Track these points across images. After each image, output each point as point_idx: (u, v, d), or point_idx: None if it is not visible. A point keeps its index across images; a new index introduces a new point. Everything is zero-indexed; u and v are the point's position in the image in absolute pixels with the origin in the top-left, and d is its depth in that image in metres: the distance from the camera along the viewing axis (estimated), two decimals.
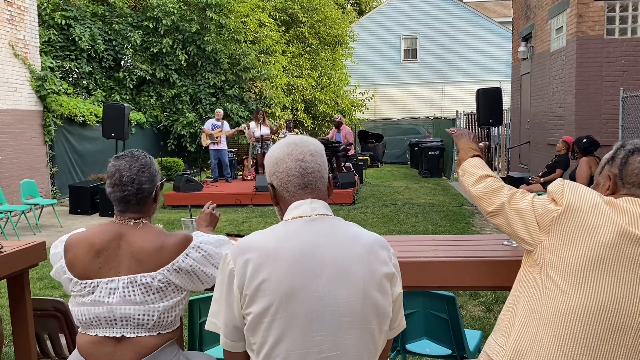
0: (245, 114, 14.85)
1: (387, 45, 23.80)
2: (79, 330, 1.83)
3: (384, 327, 1.44)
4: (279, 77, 15.92)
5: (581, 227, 1.59)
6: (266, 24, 16.33)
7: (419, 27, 23.58)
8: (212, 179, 11.85)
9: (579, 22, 8.82)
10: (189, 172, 14.08)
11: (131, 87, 14.69)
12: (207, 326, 1.49)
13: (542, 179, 7.73)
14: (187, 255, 1.80)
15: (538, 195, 1.77)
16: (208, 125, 11.72)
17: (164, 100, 14.97)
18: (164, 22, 14.23)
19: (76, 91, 13.20)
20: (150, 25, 14.42)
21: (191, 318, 2.42)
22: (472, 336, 2.75)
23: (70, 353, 2.16)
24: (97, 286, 1.76)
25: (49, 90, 10.61)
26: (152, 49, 14.45)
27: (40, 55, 11.07)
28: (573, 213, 1.61)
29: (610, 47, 8.75)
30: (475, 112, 8.86)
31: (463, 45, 23.32)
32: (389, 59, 23.87)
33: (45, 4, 13.09)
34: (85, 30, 13.37)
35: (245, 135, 12.51)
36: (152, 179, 1.88)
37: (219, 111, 11.97)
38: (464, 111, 18.12)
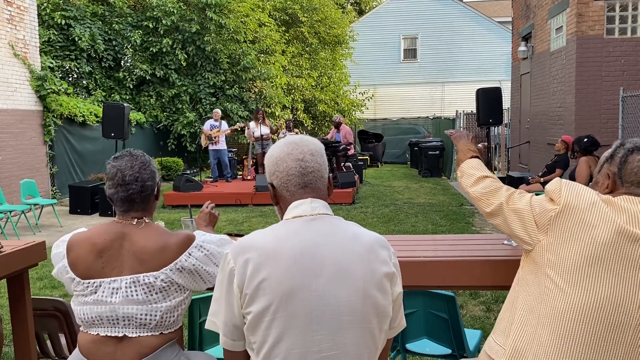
0: (245, 113, 14.85)
1: (387, 45, 23.79)
2: (81, 329, 1.83)
3: (384, 326, 1.44)
4: (278, 76, 15.92)
5: (579, 226, 1.60)
6: (266, 23, 16.33)
7: (419, 27, 23.58)
8: (211, 179, 11.86)
9: (578, 22, 8.82)
10: (188, 172, 14.08)
11: (131, 87, 14.69)
12: (207, 325, 1.49)
13: (541, 179, 7.73)
14: (189, 254, 1.80)
15: (536, 195, 1.78)
16: (207, 126, 11.74)
17: (163, 100, 14.97)
18: (163, 22, 14.22)
19: (76, 91, 13.19)
20: (150, 25, 14.42)
21: (191, 317, 2.42)
22: (472, 336, 2.75)
23: (70, 353, 2.16)
24: (100, 286, 1.76)
25: (48, 90, 10.60)
26: (151, 49, 14.45)
27: (40, 55, 11.07)
28: (571, 212, 1.61)
29: (610, 47, 8.76)
30: (475, 111, 8.86)
31: (463, 45, 23.32)
32: (389, 58, 23.87)
33: (45, 4, 13.08)
34: (85, 30, 13.37)
35: (245, 135, 12.51)
36: (154, 176, 1.88)
37: (217, 111, 11.98)
38: (463, 111, 18.12)
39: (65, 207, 10.13)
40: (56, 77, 11.55)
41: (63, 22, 13.10)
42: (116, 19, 14.37)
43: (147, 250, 1.77)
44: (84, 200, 9.71)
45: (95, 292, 1.76)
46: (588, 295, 1.55)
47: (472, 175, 1.97)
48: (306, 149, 1.50)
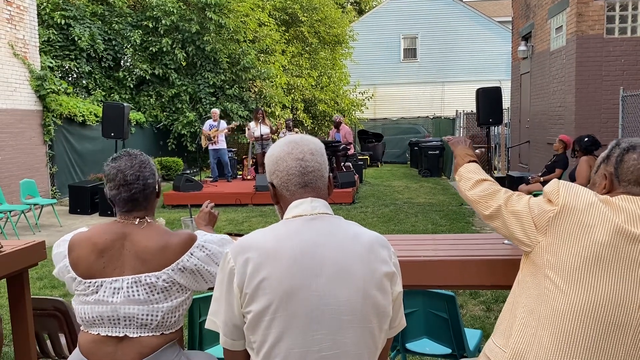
0: (245, 113, 14.84)
1: (387, 45, 23.79)
2: (81, 328, 1.83)
3: (384, 326, 1.44)
4: (278, 76, 15.92)
5: (577, 227, 1.60)
6: (266, 23, 16.33)
7: (419, 27, 23.58)
8: (211, 179, 11.86)
9: (578, 22, 8.82)
10: (188, 171, 14.08)
11: (131, 86, 14.68)
12: (207, 325, 1.49)
13: (541, 178, 7.73)
14: (191, 254, 1.80)
15: (535, 195, 1.78)
16: (206, 126, 11.76)
17: (163, 100, 14.97)
18: (163, 21, 14.22)
19: (76, 91, 13.19)
20: (150, 25, 14.41)
21: (191, 317, 2.42)
22: (472, 335, 2.75)
23: (70, 353, 2.16)
24: (101, 285, 1.76)
25: (48, 90, 10.60)
26: (151, 49, 14.45)
27: (40, 54, 11.06)
28: (569, 212, 1.62)
29: (610, 47, 8.75)
30: (475, 111, 8.86)
31: (463, 44, 23.31)
32: (389, 58, 23.87)
33: (44, 4, 13.08)
34: (85, 30, 13.37)
35: (245, 135, 12.51)
36: (154, 174, 1.89)
37: (215, 111, 11.98)
38: (463, 110, 18.13)
39: (65, 207, 10.13)
40: (56, 77, 11.55)
41: (63, 21, 13.09)
42: (116, 19, 14.37)
43: (148, 250, 1.77)
44: (84, 200, 9.72)
45: (97, 292, 1.76)
46: (588, 295, 1.55)
47: (470, 179, 1.98)
48: (306, 148, 1.50)
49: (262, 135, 11.53)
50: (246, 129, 12.13)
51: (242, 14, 15.24)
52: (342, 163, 11.93)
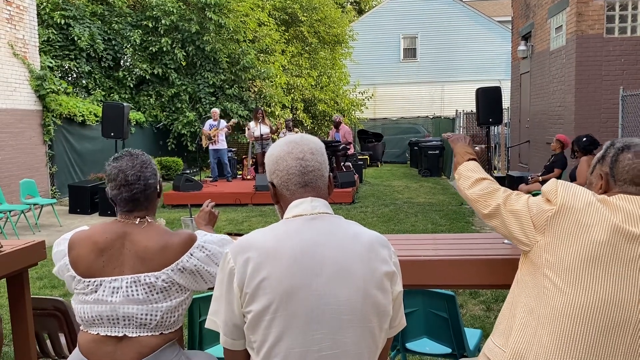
0: (245, 113, 14.85)
1: (387, 45, 23.79)
2: (81, 328, 1.83)
3: (384, 325, 1.44)
4: (278, 76, 15.92)
5: (576, 226, 1.60)
6: (265, 23, 16.33)
7: (419, 26, 23.57)
8: (211, 179, 11.86)
9: (578, 21, 8.81)
10: (188, 171, 14.09)
11: (130, 86, 14.68)
12: (207, 324, 1.49)
13: (540, 178, 7.73)
14: (191, 254, 1.79)
15: (534, 195, 1.78)
16: (206, 126, 11.76)
17: (163, 100, 14.97)
18: (163, 21, 14.22)
19: (75, 91, 13.19)
20: (150, 25, 14.41)
21: (191, 317, 2.42)
22: (472, 335, 2.75)
23: (70, 352, 2.16)
24: (101, 285, 1.76)
25: (48, 90, 10.60)
26: (151, 49, 14.45)
27: (40, 54, 11.06)
28: (567, 212, 1.62)
29: (610, 46, 8.75)
30: (475, 111, 8.86)
31: (463, 44, 23.31)
32: (389, 58, 23.86)
33: (44, 4, 13.08)
34: (85, 30, 13.36)
35: (245, 135, 12.51)
36: (155, 174, 1.89)
37: (215, 111, 11.98)
38: (463, 110, 18.13)
39: (65, 207, 10.13)
40: (55, 77, 11.54)
41: (62, 21, 13.09)
42: (116, 19, 14.37)
43: (148, 250, 1.76)
44: (84, 199, 9.71)
45: (96, 291, 1.76)
46: (587, 295, 1.55)
47: (469, 178, 1.98)
48: (306, 147, 1.50)
49: (262, 135, 11.53)
50: (246, 128, 12.13)
51: (241, 13, 15.24)
52: (342, 163, 11.93)
